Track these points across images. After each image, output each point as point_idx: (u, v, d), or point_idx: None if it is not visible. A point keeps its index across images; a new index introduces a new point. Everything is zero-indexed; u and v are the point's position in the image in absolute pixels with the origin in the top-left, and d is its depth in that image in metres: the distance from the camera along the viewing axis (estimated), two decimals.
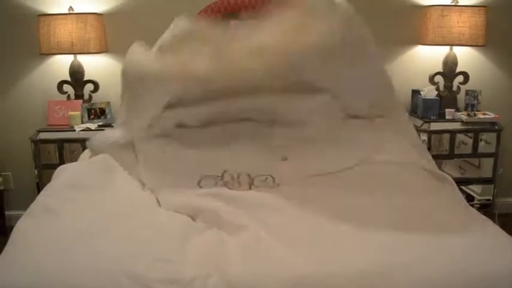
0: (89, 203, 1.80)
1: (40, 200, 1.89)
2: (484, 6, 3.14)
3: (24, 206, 2.69)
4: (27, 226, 1.66)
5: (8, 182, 3.35)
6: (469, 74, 3.28)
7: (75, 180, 2.00)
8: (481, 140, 3.10)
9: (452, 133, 3.08)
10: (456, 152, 3.10)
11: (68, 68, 3.12)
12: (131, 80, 2.35)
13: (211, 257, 1.42)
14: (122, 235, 1.52)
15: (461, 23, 3.07)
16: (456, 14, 3.08)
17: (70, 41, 2.96)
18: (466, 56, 3.32)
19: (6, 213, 3.27)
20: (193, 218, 1.69)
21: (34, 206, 1.83)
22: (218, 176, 1.95)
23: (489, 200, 3.14)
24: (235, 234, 1.55)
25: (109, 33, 3.17)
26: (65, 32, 2.95)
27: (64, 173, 2.10)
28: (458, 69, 3.27)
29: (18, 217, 1.77)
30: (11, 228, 1.68)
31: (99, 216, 1.67)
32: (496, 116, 3.10)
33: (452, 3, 3.19)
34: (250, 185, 1.91)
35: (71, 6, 3.09)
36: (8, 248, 1.54)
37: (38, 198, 1.93)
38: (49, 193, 1.94)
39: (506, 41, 3.34)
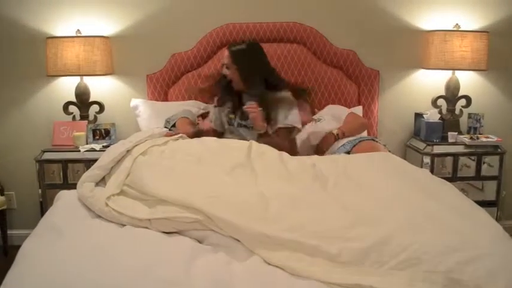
0: (94, 224, 1.80)
1: (45, 220, 1.89)
2: (486, 32, 3.18)
3: (27, 225, 2.71)
4: (33, 246, 1.65)
5: (11, 202, 3.35)
6: (471, 97, 3.31)
7: (79, 203, 2.01)
8: (484, 163, 3.10)
9: (455, 156, 3.09)
10: (459, 174, 3.10)
11: (74, 89, 3.16)
12: None
13: (217, 279, 1.42)
14: (128, 256, 1.52)
15: (464, 48, 3.10)
16: (458, 39, 3.12)
17: (77, 63, 3.00)
18: (468, 80, 3.35)
19: (8, 232, 3.26)
20: (200, 241, 1.70)
21: (40, 227, 1.83)
22: None
23: None
24: (241, 257, 1.55)
25: (115, 55, 3.22)
26: (72, 54, 2.99)
27: (67, 196, 2.11)
28: (460, 93, 3.30)
29: (20, 236, 1.77)
30: (13, 247, 1.68)
31: (105, 237, 1.67)
32: (499, 139, 3.11)
33: (455, 29, 3.23)
34: None
35: (78, 29, 3.14)
36: (13, 268, 1.53)
37: (43, 219, 1.92)
38: (54, 213, 1.93)
39: (508, 65, 3.38)
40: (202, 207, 1.69)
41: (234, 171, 1.99)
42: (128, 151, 2.17)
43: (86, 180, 2.07)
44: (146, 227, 1.75)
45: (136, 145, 2.21)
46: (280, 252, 1.52)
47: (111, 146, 2.30)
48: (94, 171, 2.11)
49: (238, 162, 2.07)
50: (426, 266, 1.42)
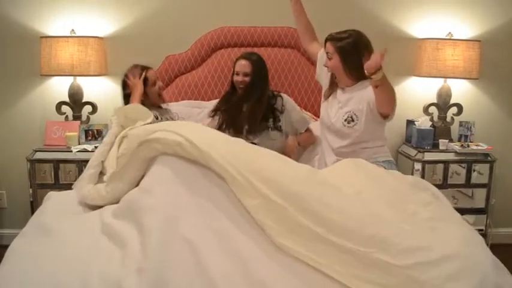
0: (83, 225, 1.80)
1: (34, 220, 1.87)
2: (478, 41, 3.21)
3: (17, 224, 2.69)
4: (21, 246, 1.64)
5: (2, 201, 3.34)
6: (462, 105, 3.34)
7: (68, 204, 2.01)
8: (474, 171, 3.13)
9: (446, 163, 3.11)
10: (449, 181, 3.12)
11: (67, 89, 3.15)
12: None
13: None
14: (116, 261, 1.51)
15: (456, 56, 3.14)
16: (450, 48, 3.15)
17: (70, 63, 3.00)
18: (459, 88, 3.38)
19: None
20: None
21: (28, 227, 1.81)
22: None
23: (482, 230, 3.15)
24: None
25: (109, 56, 3.22)
26: (65, 54, 2.99)
27: (57, 196, 2.10)
28: (452, 101, 3.33)
29: (10, 236, 1.75)
30: (2, 246, 1.68)
31: (94, 237, 1.66)
32: (489, 148, 3.14)
33: (447, 37, 3.26)
34: None
35: (72, 29, 3.14)
36: (1, 268, 1.53)
37: (32, 219, 1.91)
38: (43, 213, 1.92)
39: (499, 74, 3.41)
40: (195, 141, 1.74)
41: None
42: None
43: (84, 182, 2.09)
44: None
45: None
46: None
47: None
48: (89, 171, 2.13)
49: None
50: (388, 257, 1.45)
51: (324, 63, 2.58)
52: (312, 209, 1.56)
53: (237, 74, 2.76)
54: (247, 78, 2.74)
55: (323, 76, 2.73)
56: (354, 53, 2.43)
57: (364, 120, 2.47)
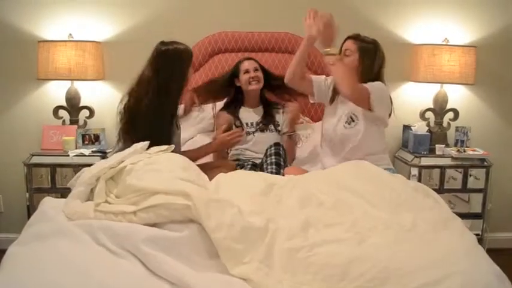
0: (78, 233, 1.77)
1: (31, 227, 1.83)
2: (474, 46, 3.23)
3: (14, 229, 2.70)
4: (17, 254, 1.62)
5: None
6: (459, 111, 3.36)
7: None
8: (470, 176, 3.14)
9: (442, 168, 3.12)
10: (446, 186, 3.14)
11: (65, 93, 3.15)
12: None
13: None
14: (113, 273, 1.50)
15: (452, 62, 3.15)
16: (447, 53, 3.17)
17: (68, 68, 3.00)
18: (456, 94, 3.40)
19: None
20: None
21: (25, 233, 1.77)
22: None
23: (478, 235, 3.15)
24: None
25: (107, 61, 3.22)
26: (63, 58, 2.99)
27: (53, 202, 2.06)
28: (448, 106, 3.34)
29: (7, 240, 1.74)
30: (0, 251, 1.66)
31: (93, 248, 1.64)
32: (486, 153, 3.16)
33: (443, 43, 3.28)
34: None
35: (70, 34, 3.14)
36: None
37: (26, 226, 1.86)
38: (41, 220, 1.89)
39: (495, 80, 3.43)
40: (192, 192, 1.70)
41: None
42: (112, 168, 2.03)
43: (71, 198, 1.96)
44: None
45: (121, 161, 2.06)
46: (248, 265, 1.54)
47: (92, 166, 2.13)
48: (78, 189, 1.98)
49: None
50: (395, 285, 1.43)
51: (334, 61, 2.51)
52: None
53: (247, 72, 2.86)
54: (259, 73, 2.87)
55: (324, 89, 2.74)
56: (372, 59, 2.58)
57: (363, 119, 2.52)
